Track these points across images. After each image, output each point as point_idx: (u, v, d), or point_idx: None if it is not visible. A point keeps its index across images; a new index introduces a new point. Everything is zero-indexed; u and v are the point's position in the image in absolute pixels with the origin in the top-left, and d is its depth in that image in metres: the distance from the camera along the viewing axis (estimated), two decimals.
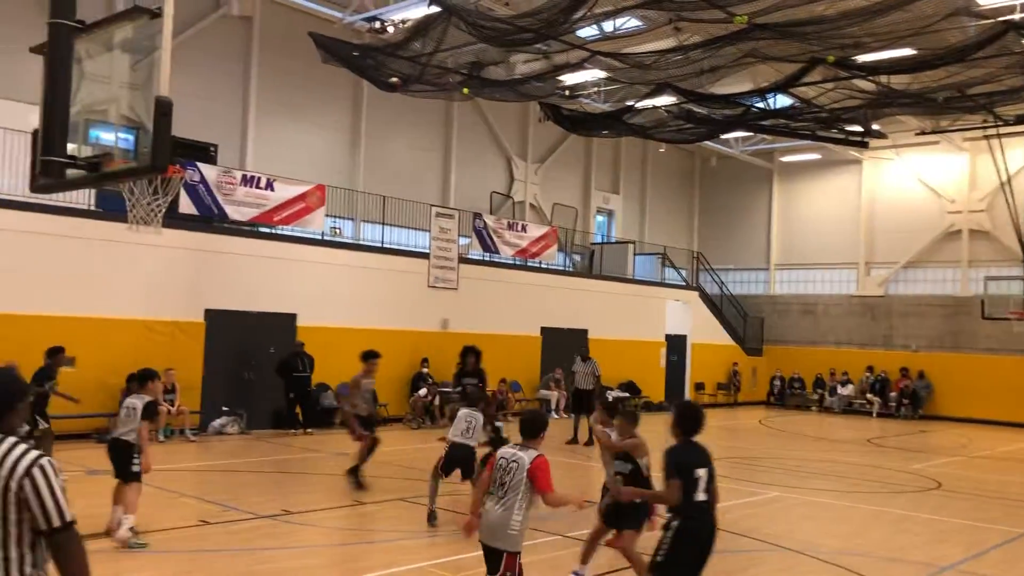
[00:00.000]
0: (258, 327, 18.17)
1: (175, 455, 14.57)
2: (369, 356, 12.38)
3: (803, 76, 16.35)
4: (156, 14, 5.32)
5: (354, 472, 11.83)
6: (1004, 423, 26.69)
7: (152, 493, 10.57)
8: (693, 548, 5.71)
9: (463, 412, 10.26)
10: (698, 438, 5.91)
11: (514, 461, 5.76)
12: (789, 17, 13.86)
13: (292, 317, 18.78)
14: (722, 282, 33.41)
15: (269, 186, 18.46)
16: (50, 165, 5.41)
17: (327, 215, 19.98)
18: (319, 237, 20.16)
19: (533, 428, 6.03)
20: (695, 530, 5.70)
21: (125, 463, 8.66)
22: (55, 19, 5.43)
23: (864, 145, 23.64)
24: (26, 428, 9.81)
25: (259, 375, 18.08)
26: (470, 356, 15.72)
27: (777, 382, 31.94)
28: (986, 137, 27.52)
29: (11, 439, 3.28)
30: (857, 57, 16.00)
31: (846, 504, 12.96)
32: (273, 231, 19.16)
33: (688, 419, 5.88)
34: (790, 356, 32.26)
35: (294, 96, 22.06)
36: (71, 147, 5.61)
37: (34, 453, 3.25)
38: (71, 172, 5.54)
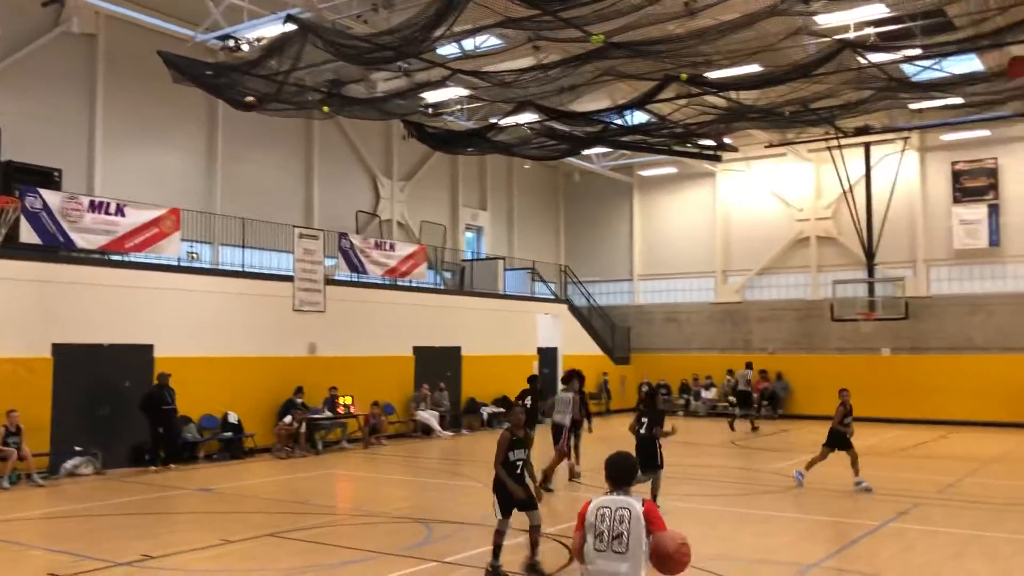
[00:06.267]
0: (112, 360, 17.18)
1: (21, 503, 13.57)
2: None
3: (658, 93, 16.87)
4: None
5: None
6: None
7: None
8: None
9: None
10: None
11: (625, 508, 5.06)
12: (644, 36, 14.27)
13: (149, 348, 17.87)
14: (589, 294, 34.05)
15: (119, 211, 17.55)
16: None
17: (183, 240, 19.17)
18: (175, 263, 19.31)
19: (629, 474, 5.27)
20: None
21: None
22: None
23: (717, 159, 24.65)
24: None
25: (115, 411, 17.11)
26: None
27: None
28: (828, 148, 29.29)
29: None
30: (708, 74, 16.63)
31: (716, 508, 13.31)
32: (125, 259, 18.22)
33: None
34: (657, 363, 33.14)
35: (145, 117, 21.06)
36: None
37: None
38: None
